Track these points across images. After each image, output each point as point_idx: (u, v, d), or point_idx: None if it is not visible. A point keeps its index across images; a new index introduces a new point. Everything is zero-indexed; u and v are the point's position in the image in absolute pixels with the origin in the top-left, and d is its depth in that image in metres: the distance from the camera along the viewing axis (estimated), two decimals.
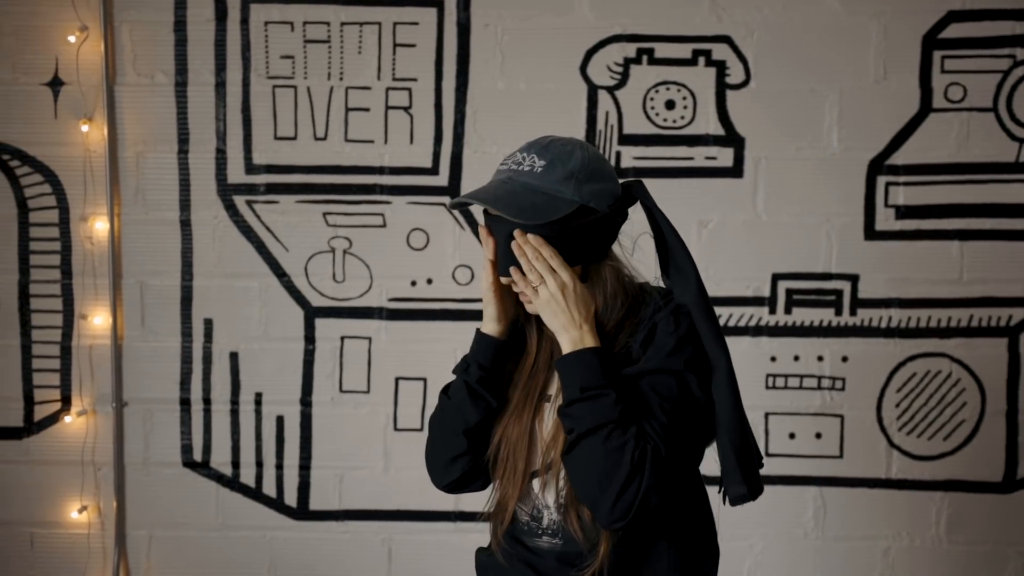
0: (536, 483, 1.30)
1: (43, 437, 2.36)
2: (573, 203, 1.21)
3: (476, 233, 2.26)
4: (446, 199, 2.29)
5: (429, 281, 2.31)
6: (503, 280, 1.26)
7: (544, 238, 1.21)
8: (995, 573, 2.31)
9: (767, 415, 2.30)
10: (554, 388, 1.32)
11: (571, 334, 1.21)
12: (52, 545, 2.39)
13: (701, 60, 2.26)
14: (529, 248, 1.21)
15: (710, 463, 1.37)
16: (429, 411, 2.32)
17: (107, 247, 2.31)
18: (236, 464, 2.36)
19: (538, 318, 1.32)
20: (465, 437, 1.31)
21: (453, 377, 1.36)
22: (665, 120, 2.27)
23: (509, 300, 1.30)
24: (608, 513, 1.17)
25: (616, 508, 1.16)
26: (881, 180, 2.26)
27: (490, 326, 1.30)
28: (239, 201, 2.31)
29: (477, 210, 1.30)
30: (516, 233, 1.21)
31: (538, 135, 2.27)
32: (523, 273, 1.23)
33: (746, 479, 1.26)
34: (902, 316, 2.28)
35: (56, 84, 2.29)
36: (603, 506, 1.17)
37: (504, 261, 1.25)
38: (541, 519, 1.31)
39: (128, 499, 2.37)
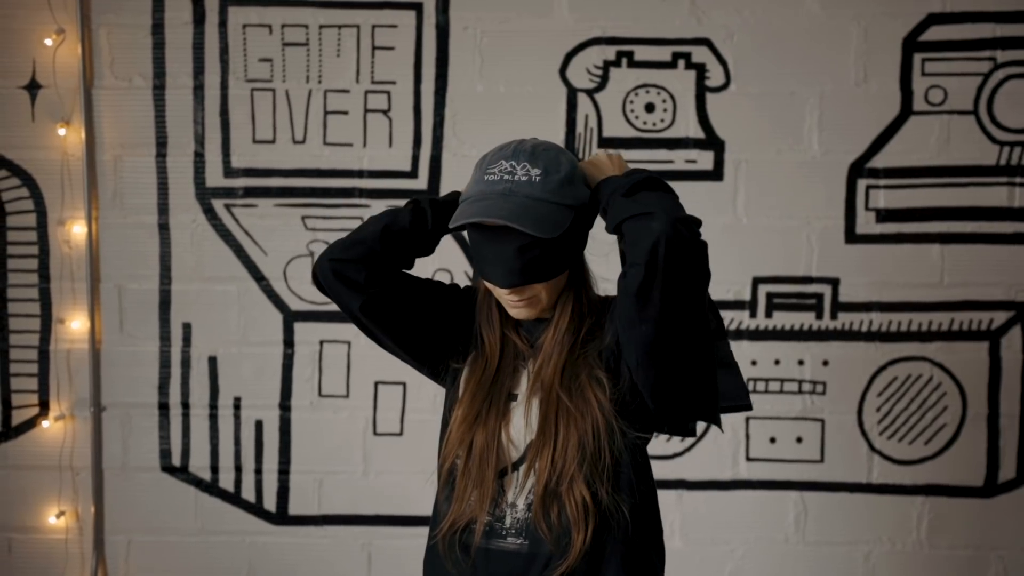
0: (504, 482, 1.30)
1: (21, 442, 2.35)
2: (572, 209, 1.23)
3: (455, 237, 2.25)
4: None
5: None
6: (505, 289, 1.26)
7: (551, 248, 1.22)
8: None
9: (748, 419, 2.29)
10: (521, 388, 1.31)
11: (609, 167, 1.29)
12: (30, 550, 2.37)
13: (681, 63, 2.25)
14: None
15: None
16: (409, 416, 2.32)
17: (85, 251, 2.30)
18: (215, 469, 2.35)
19: (503, 322, 1.32)
20: (382, 244, 1.31)
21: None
22: (645, 123, 2.26)
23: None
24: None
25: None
26: (862, 183, 2.25)
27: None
28: (218, 205, 2.30)
29: None
30: None
31: (517, 138, 2.28)
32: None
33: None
34: (883, 320, 2.27)
35: (33, 87, 2.28)
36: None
37: (512, 274, 1.22)
38: (504, 519, 1.30)
39: (106, 504, 2.36)
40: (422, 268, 2.30)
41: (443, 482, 1.35)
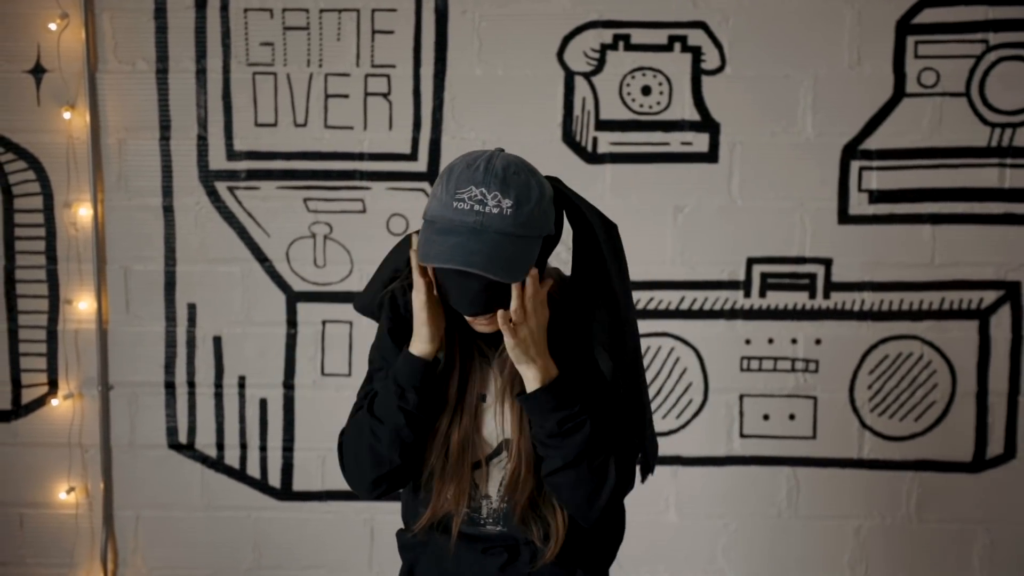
0: (477, 476, 1.34)
1: (31, 420, 2.40)
2: (540, 239, 1.21)
3: None
4: (425, 185, 2.32)
5: None
6: (470, 317, 1.25)
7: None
8: (964, 551, 2.36)
9: (741, 397, 2.34)
10: (489, 389, 1.33)
11: (537, 365, 1.23)
12: (41, 525, 2.43)
13: (677, 46, 2.27)
14: (531, 287, 1.20)
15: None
16: None
17: (91, 233, 2.34)
18: (220, 446, 2.40)
19: (459, 330, 1.31)
20: (401, 458, 1.29)
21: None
22: (641, 106, 2.29)
23: (441, 317, 1.27)
24: (594, 519, 1.29)
25: (602, 512, 1.28)
26: (855, 165, 2.28)
27: (424, 348, 1.26)
28: (221, 187, 2.34)
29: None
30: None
31: (516, 121, 2.31)
32: (503, 311, 1.21)
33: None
34: (875, 299, 2.31)
35: (38, 71, 2.31)
36: (592, 515, 1.28)
37: (475, 304, 1.21)
38: (480, 509, 1.35)
39: (115, 480, 2.42)
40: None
41: (422, 482, 1.35)
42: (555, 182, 1.28)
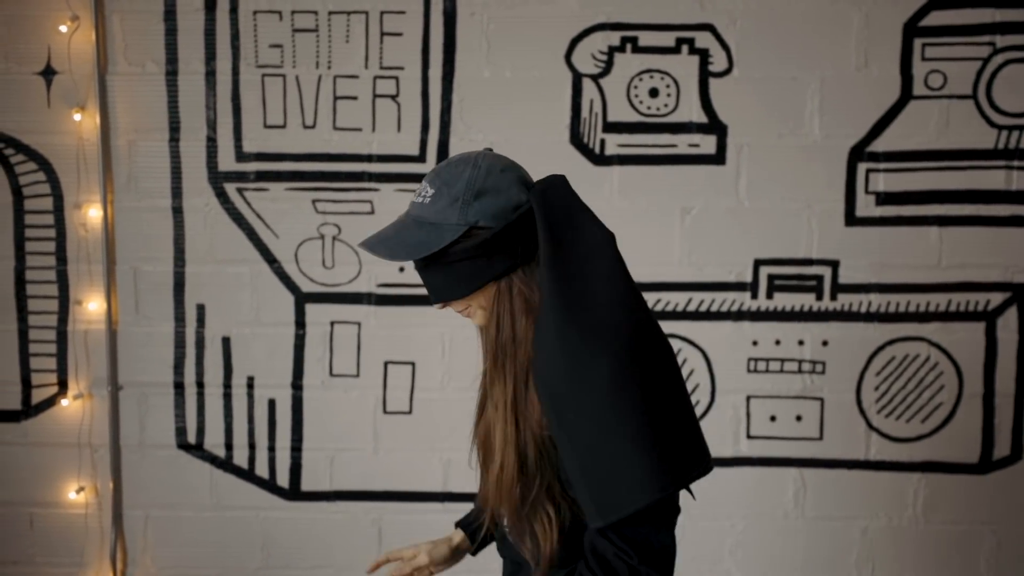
0: None
1: (41, 420, 2.42)
2: (459, 227, 1.18)
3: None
4: None
5: None
6: (438, 307, 1.27)
7: (434, 266, 1.21)
8: (971, 552, 2.36)
9: (748, 398, 2.35)
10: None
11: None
12: (51, 525, 2.45)
13: (684, 48, 2.28)
14: None
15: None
16: (417, 395, 2.38)
17: (101, 234, 2.35)
18: (229, 446, 2.41)
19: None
20: None
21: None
22: (649, 108, 2.30)
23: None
24: None
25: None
26: (862, 167, 2.29)
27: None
28: (230, 188, 2.35)
29: None
30: None
31: (524, 123, 2.33)
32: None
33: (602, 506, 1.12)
34: (882, 301, 2.31)
35: (49, 73, 2.33)
36: None
37: (429, 294, 1.27)
38: (503, 516, 1.35)
39: (124, 480, 2.43)
40: None
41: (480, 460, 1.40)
42: (553, 182, 1.20)
